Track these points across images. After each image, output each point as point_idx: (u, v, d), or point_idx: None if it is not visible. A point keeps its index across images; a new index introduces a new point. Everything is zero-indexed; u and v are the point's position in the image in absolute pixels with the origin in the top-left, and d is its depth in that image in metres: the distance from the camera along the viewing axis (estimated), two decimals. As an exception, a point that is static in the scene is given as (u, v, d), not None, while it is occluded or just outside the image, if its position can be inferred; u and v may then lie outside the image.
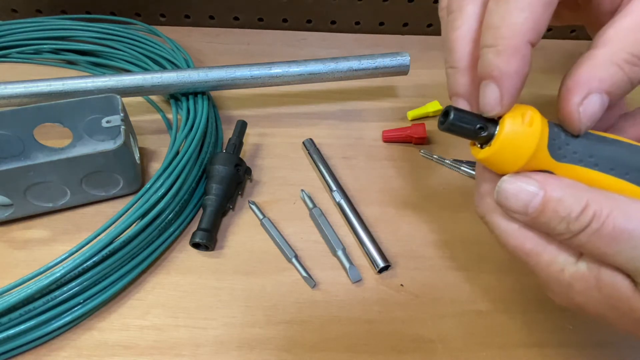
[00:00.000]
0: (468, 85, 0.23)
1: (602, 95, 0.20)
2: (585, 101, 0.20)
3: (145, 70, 0.43)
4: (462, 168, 0.38)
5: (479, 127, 0.20)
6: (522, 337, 0.30)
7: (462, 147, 0.41)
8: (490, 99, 0.20)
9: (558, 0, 0.20)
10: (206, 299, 0.31)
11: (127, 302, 0.31)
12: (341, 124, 0.43)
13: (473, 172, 0.38)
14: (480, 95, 0.21)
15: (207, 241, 0.32)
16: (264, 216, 0.35)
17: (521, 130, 0.20)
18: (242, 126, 0.38)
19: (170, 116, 0.42)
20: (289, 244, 0.33)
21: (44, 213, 0.34)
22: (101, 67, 0.46)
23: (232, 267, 0.33)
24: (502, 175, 0.22)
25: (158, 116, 0.43)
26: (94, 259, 0.29)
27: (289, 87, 0.44)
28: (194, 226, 0.34)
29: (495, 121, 0.21)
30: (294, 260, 0.32)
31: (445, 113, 0.21)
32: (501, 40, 0.20)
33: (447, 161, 0.39)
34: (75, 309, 0.29)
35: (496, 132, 0.20)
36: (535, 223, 0.21)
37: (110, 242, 0.29)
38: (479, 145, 0.22)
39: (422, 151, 0.40)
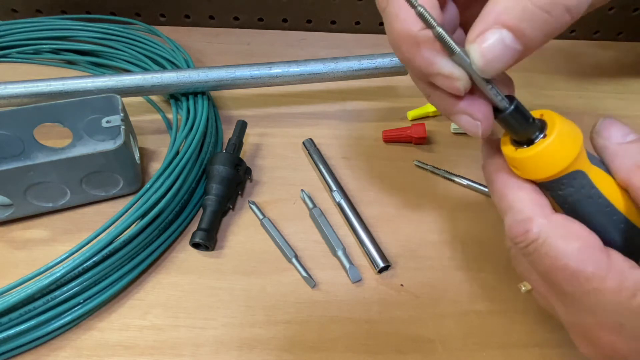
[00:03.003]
0: None
1: (502, 31, 0.18)
2: (481, 37, 0.18)
3: (145, 70, 0.43)
4: (455, 180, 0.38)
5: (532, 119, 0.20)
6: (522, 337, 0.30)
7: (462, 147, 0.41)
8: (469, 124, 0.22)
9: None
10: (206, 299, 0.31)
11: (127, 302, 0.31)
12: (341, 124, 0.43)
13: (465, 183, 0.37)
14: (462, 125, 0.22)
15: (207, 241, 0.32)
16: (264, 216, 0.35)
17: (571, 123, 0.20)
18: (242, 126, 0.38)
19: (170, 116, 0.42)
20: (289, 244, 0.33)
21: (44, 213, 0.34)
22: (101, 67, 0.46)
23: (232, 267, 0.33)
24: (534, 181, 0.21)
25: (158, 116, 0.43)
26: (94, 259, 0.29)
27: (289, 87, 0.44)
28: (194, 226, 0.34)
29: (540, 120, 0.21)
30: (294, 260, 0.32)
31: (508, 101, 0.20)
32: None
33: (440, 172, 0.38)
34: (75, 309, 0.29)
35: (545, 129, 0.20)
36: None
37: (110, 242, 0.29)
38: (520, 147, 0.21)
39: (415, 161, 0.39)
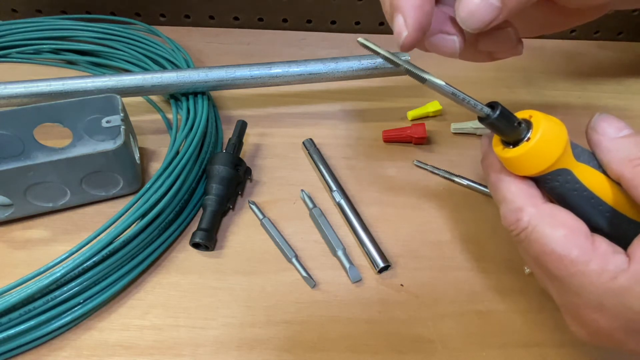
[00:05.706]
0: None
1: None
2: None
3: (145, 70, 0.43)
4: (455, 180, 0.38)
5: (517, 122, 0.21)
6: (522, 337, 0.30)
7: (462, 147, 0.41)
8: (399, 26, 0.22)
9: None
10: (206, 299, 0.31)
11: (127, 302, 0.31)
12: (341, 124, 0.43)
13: (465, 183, 0.37)
14: (393, 27, 0.22)
15: (207, 241, 0.32)
16: (264, 216, 0.35)
17: (555, 125, 0.21)
18: (242, 126, 0.38)
19: (170, 116, 0.42)
20: (289, 244, 0.33)
21: (44, 213, 0.34)
22: (101, 67, 0.46)
23: (232, 267, 0.33)
24: (526, 176, 0.22)
25: (158, 116, 0.43)
26: (94, 259, 0.29)
27: (289, 87, 0.44)
28: (194, 226, 0.34)
29: (527, 122, 0.22)
30: (294, 260, 0.32)
31: (491, 107, 0.21)
32: None
33: (440, 172, 0.38)
34: (75, 309, 0.29)
35: (530, 130, 0.21)
36: None
37: (110, 242, 0.29)
38: (508, 147, 0.22)
39: (415, 161, 0.39)
